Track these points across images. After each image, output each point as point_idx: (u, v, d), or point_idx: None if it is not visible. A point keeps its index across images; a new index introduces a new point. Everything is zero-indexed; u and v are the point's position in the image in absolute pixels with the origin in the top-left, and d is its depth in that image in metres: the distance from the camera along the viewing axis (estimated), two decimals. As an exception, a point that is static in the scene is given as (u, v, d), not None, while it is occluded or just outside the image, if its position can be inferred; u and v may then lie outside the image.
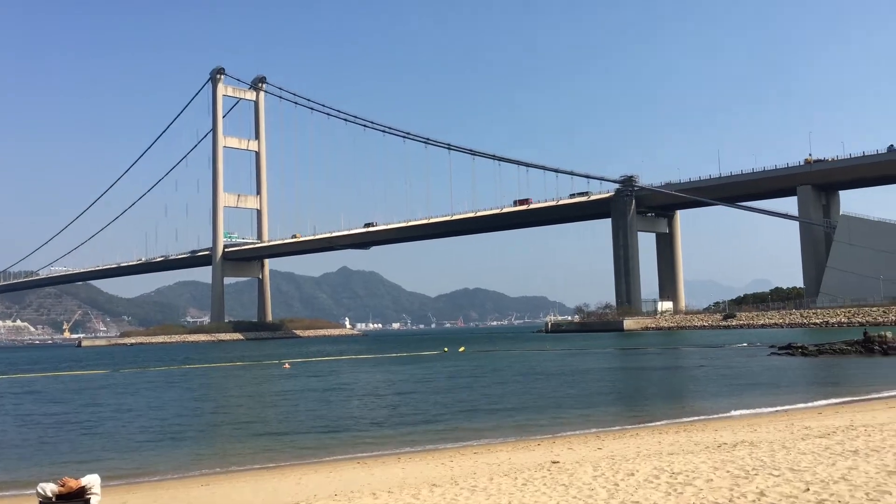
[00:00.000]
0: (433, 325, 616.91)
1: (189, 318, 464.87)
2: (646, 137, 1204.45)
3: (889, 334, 62.99)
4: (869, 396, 32.11)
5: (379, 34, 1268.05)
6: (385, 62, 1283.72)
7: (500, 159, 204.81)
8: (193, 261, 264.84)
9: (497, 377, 52.64)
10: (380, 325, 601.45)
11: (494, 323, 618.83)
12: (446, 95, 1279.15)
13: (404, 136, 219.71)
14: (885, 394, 32.84)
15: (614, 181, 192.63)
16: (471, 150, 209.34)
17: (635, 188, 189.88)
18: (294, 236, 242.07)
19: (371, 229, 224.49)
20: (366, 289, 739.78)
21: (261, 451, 23.69)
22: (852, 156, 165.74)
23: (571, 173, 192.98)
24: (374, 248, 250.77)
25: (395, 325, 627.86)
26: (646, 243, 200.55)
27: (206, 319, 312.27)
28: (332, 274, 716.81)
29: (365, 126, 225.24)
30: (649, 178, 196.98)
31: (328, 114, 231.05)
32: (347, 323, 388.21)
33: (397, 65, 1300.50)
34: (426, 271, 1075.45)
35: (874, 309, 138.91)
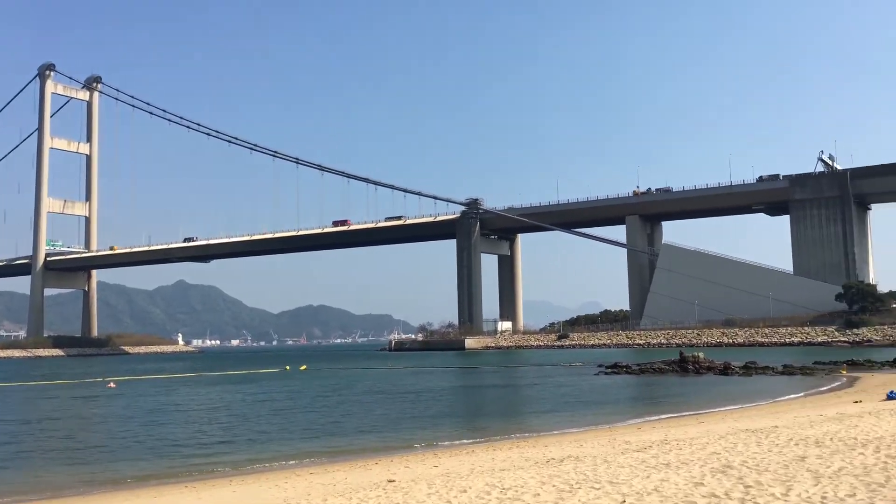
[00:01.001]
0: (275, 343, 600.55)
1: (2, 332, 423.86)
2: (491, 162, 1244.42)
3: (701, 355, 68.74)
4: (682, 413, 34.72)
5: (238, 41, 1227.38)
6: (250, 74, 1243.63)
7: (346, 175, 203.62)
8: (10, 269, 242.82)
9: (338, 396, 52.04)
10: (218, 342, 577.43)
11: (338, 340, 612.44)
12: (316, 113, 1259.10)
13: (251, 148, 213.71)
14: (697, 410, 35.68)
15: (460, 203, 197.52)
16: (319, 166, 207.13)
17: (480, 211, 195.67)
18: (111, 248, 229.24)
19: (210, 242, 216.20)
20: (204, 303, 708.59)
21: (76, 479, 21.92)
22: (674, 189, 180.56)
23: (419, 194, 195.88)
24: (214, 262, 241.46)
25: (235, 342, 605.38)
26: (488, 265, 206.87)
27: (23, 333, 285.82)
28: (168, 287, 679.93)
29: (209, 135, 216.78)
30: (493, 201, 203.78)
31: (169, 120, 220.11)
32: (181, 339, 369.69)
33: (267, 79, 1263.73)
34: (269, 287, 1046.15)
35: (689, 331, 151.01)
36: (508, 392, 54.25)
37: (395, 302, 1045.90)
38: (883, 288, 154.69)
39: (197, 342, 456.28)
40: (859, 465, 12.14)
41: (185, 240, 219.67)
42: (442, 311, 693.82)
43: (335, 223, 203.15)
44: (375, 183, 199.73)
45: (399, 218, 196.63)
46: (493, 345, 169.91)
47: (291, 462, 24.01)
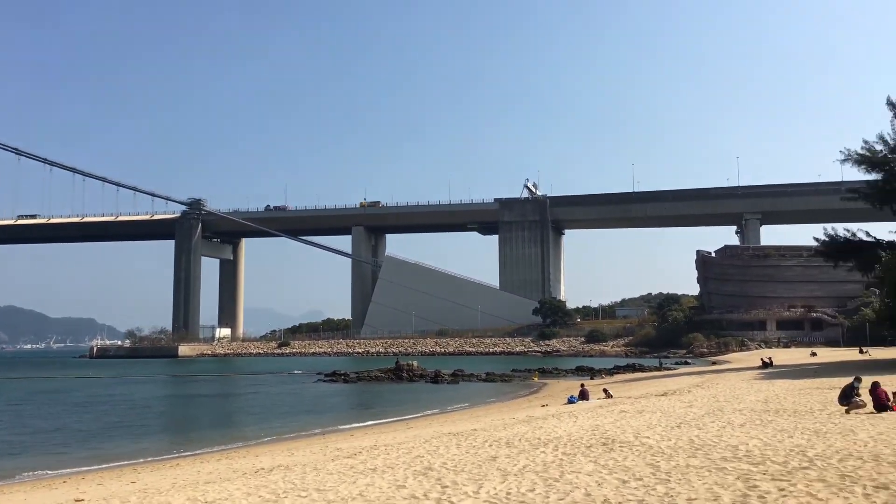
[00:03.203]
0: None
1: None
2: (219, 163, 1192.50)
3: (415, 363, 72.31)
4: (394, 419, 36.11)
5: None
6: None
7: (47, 162, 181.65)
8: None
9: (22, 410, 46.16)
10: None
11: (29, 346, 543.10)
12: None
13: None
14: (407, 416, 37.34)
15: (181, 202, 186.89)
16: (16, 150, 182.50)
17: (203, 212, 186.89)
18: None
19: None
20: None
21: None
22: (399, 204, 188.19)
23: (135, 189, 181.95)
24: None
25: None
26: (210, 269, 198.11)
27: None
28: None
29: None
30: (221, 203, 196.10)
31: None
32: None
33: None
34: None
35: (406, 340, 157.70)
36: (222, 402, 52.24)
37: (100, 305, 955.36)
38: (570, 304, 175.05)
39: None
40: (540, 462, 13.53)
41: None
42: (155, 316, 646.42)
43: (20, 217, 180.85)
44: (82, 173, 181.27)
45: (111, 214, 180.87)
46: (209, 352, 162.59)
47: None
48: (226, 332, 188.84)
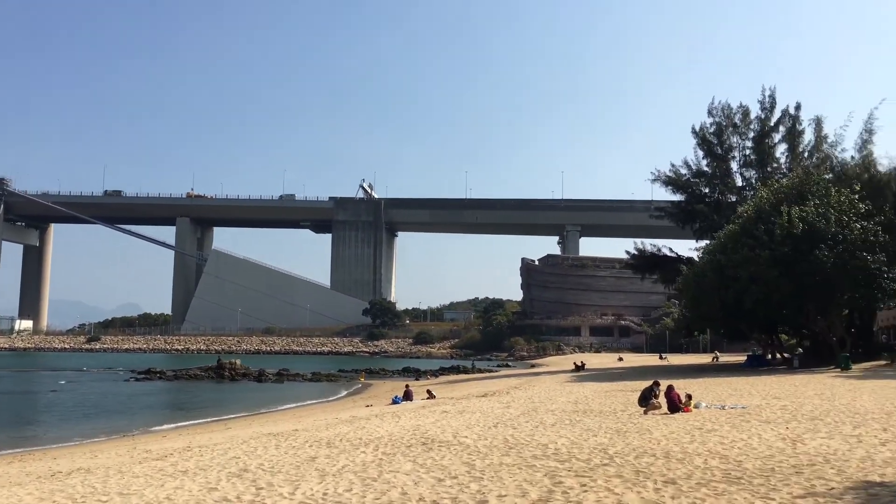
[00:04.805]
0: None
1: None
2: (19, 137, 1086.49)
3: (238, 362, 69.92)
4: (212, 419, 34.72)
5: None
6: None
7: None
8: None
9: None
10: None
11: None
12: None
13: None
14: (227, 416, 36.03)
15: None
16: None
17: (5, 192, 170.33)
18: None
19: None
20: None
21: None
22: (229, 196, 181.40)
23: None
24: None
25: None
26: (11, 255, 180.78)
27: None
28: None
29: None
30: (25, 184, 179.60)
31: None
32: None
33: None
34: None
35: (231, 338, 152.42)
36: (18, 400, 47.73)
37: None
38: (401, 306, 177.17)
39: None
40: (360, 462, 13.55)
41: None
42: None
43: None
44: None
45: None
46: (5, 346, 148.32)
47: None
48: (27, 324, 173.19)
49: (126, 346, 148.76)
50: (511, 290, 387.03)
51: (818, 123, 53.96)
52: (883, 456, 11.99)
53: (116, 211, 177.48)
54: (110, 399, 47.38)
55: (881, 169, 47.56)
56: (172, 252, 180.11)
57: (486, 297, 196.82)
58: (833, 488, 9.58)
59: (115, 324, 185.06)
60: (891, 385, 27.76)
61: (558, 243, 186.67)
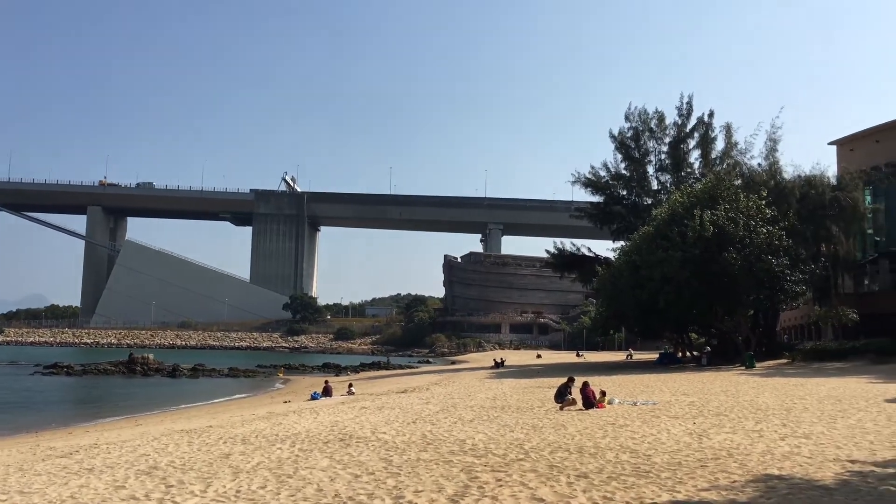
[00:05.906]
0: None
1: None
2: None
3: (151, 356, 67.75)
4: (122, 416, 33.55)
5: None
6: None
7: None
8: None
9: None
10: None
11: None
12: None
13: None
14: (138, 413, 34.87)
15: None
16: None
17: None
18: None
19: None
20: None
21: None
22: (143, 185, 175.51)
23: None
24: None
25: None
26: None
27: None
28: None
29: None
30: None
31: None
32: None
33: None
34: None
35: (144, 332, 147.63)
36: None
37: None
38: (322, 301, 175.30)
39: None
40: (275, 458, 13.35)
41: None
42: None
43: None
44: None
45: None
46: None
47: None
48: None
49: (31, 339, 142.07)
50: (434, 286, 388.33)
51: (728, 130, 56.20)
52: (782, 450, 12.63)
53: (23, 198, 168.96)
54: (13, 394, 45.14)
55: (786, 176, 50.03)
56: (83, 242, 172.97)
57: (409, 294, 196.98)
58: (735, 481, 10.03)
59: (19, 315, 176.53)
60: (791, 383, 29.24)
61: (481, 241, 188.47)
